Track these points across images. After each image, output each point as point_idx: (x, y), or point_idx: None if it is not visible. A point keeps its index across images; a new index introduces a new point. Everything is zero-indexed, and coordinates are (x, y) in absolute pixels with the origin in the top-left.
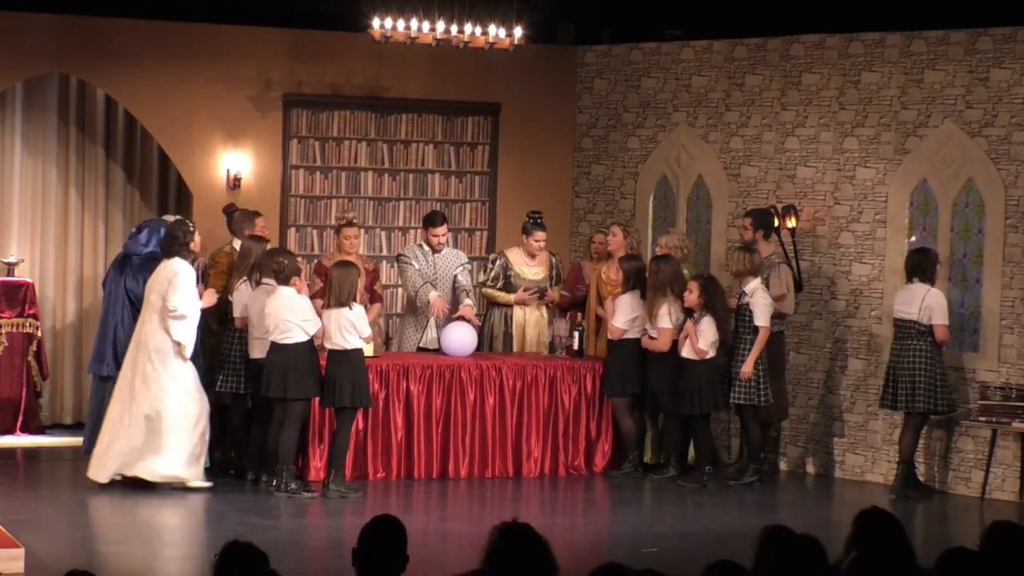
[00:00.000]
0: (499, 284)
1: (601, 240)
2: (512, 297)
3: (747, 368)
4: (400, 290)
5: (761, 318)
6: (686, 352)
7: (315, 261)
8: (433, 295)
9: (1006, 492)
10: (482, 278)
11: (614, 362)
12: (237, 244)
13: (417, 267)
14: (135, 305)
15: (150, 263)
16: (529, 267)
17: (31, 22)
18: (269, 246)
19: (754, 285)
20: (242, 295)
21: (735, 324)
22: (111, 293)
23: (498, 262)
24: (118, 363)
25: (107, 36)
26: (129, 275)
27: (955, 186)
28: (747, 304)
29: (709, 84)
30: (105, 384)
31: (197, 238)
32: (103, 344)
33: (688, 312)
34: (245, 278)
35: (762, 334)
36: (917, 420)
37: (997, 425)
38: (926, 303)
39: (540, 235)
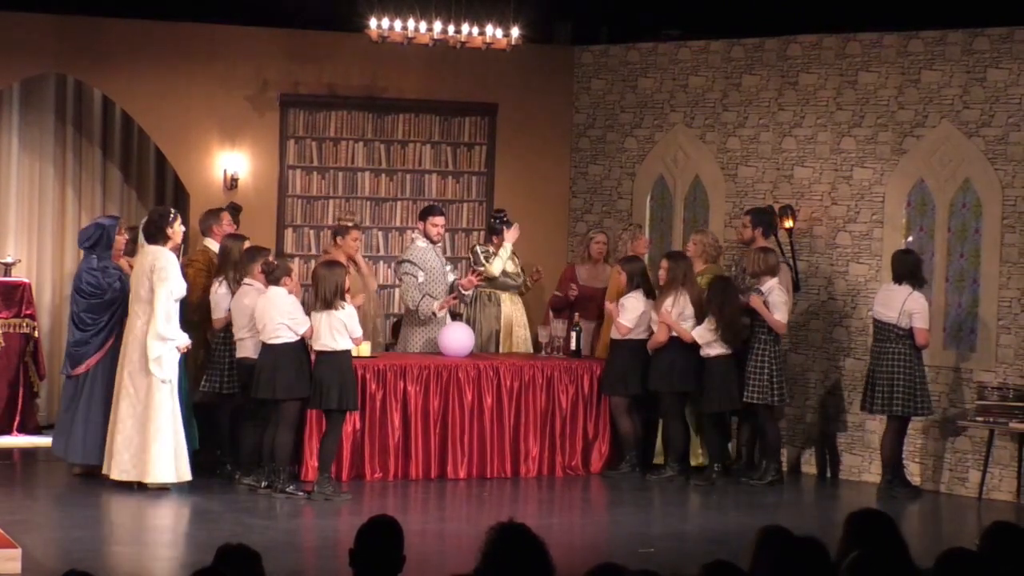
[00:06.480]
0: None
1: (601, 240)
2: (493, 269)
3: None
4: (397, 291)
5: (779, 315)
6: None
7: (313, 264)
8: (436, 304)
9: (1003, 492)
10: (479, 251)
11: (616, 361)
12: (208, 243)
13: (421, 280)
14: None
15: None
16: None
17: (28, 22)
18: (248, 244)
19: (771, 284)
20: (221, 296)
21: (751, 322)
22: None
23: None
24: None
25: (104, 36)
26: None
27: (952, 186)
28: (765, 303)
29: (706, 84)
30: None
31: (178, 227)
32: None
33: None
34: (222, 278)
35: (777, 326)
36: (897, 423)
37: (994, 425)
38: (906, 307)
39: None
